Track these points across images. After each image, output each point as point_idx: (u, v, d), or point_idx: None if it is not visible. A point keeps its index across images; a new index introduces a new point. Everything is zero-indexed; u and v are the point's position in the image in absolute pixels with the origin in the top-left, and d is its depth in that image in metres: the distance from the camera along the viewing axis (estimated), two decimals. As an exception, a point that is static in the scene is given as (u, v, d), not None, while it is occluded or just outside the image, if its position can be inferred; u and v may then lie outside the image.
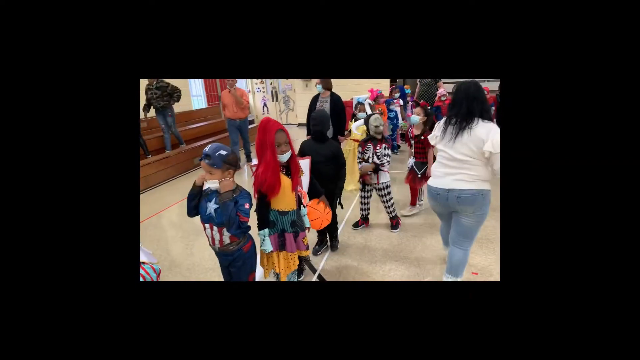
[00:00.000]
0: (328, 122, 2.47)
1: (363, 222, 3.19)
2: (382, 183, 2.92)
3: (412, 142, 3.19)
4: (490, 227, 3.01)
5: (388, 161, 2.80)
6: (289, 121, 9.73)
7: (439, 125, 1.89)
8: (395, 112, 5.64)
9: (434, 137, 1.90)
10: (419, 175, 3.18)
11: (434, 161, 2.27)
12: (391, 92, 5.83)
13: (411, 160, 3.26)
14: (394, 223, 3.11)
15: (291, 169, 1.78)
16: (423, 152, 3.15)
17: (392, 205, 3.03)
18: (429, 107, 4.15)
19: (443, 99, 6.08)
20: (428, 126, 3.02)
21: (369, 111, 3.93)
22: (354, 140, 4.09)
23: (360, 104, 4.00)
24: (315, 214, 2.15)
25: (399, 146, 6.06)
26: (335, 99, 4.10)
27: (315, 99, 4.23)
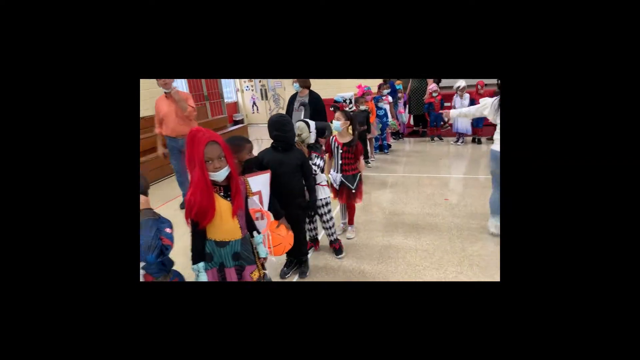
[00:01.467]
0: (290, 126, 2.12)
1: (311, 244, 2.71)
2: (321, 199, 2.48)
3: (337, 152, 2.66)
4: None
5: (316, 172, 2.35)
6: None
7: (492, 102, 2.54)
8: (385, 109, 5.31)
9: (485, 108, 2.60)
10: (354, 190, 2.74)
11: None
12: (380, 88, 5.49)
13: (335, 175, 2.74)
14: (337, 247, 2.64)
15: (231, 189, 1.46)
16: (352, 163, 2.69)
17: (332, 226, 2.60)
18: (351, 110, 3.81)
19: (434, 94, 5.75)
20: (355, 131, 2.69)
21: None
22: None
23: (338, 102, 3.68)
24: (278, 239, 1.85)
25: (389, 145, 5.74)
26: (314, 98, 3.78)
27: (292, 99, 3.92)
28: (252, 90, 9.62)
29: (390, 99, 5.52)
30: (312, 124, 2.36)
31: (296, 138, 2.26)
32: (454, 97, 5.61)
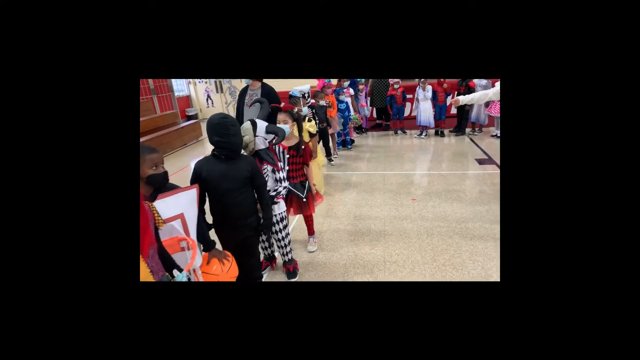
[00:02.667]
0: (236, 129, 1.71)
1: (267, 262, 2.45)
2: (276, 215, 2.15)
3: (283, 157, 2.25)
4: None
5: (275, 189, 2.05)
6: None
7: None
8: (346, 103, 5.05)
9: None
10: (304, 199, 2.42)
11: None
12: (340, 80, 5.20)
13: (281, 185, 2.29)
14: (291, 269, 2.33)
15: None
16: (301, 169, 2.40)
17: (288, 244, 2.28)
18: (309, 105, 3.58)
19: (396, 87, 5.57)
20: (301, 133, 2.42)
21: (303, 107, 3.25)
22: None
23: (293, 97, 3.32)
24: (210, 278, 1.49)
25: (352, 141, 5.50)
26: (267, 91, 3.39)
27: (243, 93, 3.50)
28: (206, 83, 8.93)
29: (351, 91, 5.26)
30: (262, 125, 1.97)
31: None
32: (417, 88, 5.47)
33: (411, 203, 3.28)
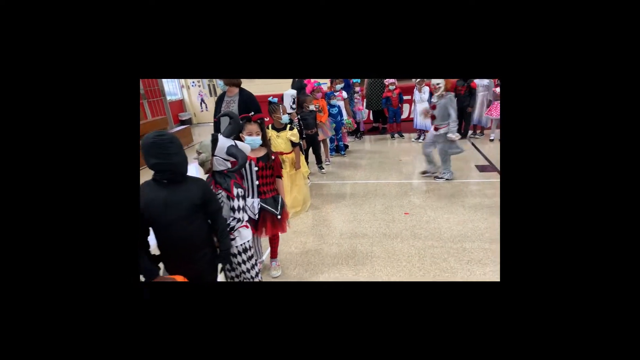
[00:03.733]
0: (176, 147, 1.40)
1: None
2: (238, 247, 1.77)
3: (251, 170, 2.06)
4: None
5: (234, 216, 1.73)
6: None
7: None
8: (338, 107, 4.76)
9: None
10: (279, 216, 2.17)
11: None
12: (332, 83, 4.92)
13: (253, 201, 2.10)
14: None
15: None
16: (272, 183, 2.17)
17: (256, 276, 1.87)
18: (292, 112, 3.34)
19: (392, 87, 5.27)
20: (268, 141, 2.17)
21: (286, 114, 2.97)
22: (278, 153, 3.13)
23: (272, 104, 3.05)
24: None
25: (346, 146, 5.21)
26: (245, 98, 3.14)
27: (220, 100, 3.25)
28: (200, 86, 8.71)
29: (344, 94, 4.97)
30: (224, 144, 1.69)
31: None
32: (414, 90, 5.17)
33: (404, 218, 2.99)
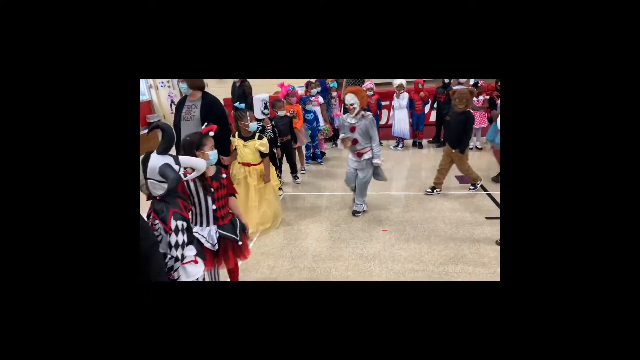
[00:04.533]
0: None
1: None
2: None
3: (204, 196, 1.79)
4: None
5: (168, 259, 1.43)
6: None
7: None
8: (314, 112, 4.52)
9: None
10: (239, 242, 1.88)
11: None
12: (307, 87, 4.67)
13: (210, 230, 1.83)
14: None
15: None
16: (227, 204, 1.89)
17: None
18: (263, 118, 3.12)
19: (370, 94, 5.08)
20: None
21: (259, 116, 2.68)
22: (243, 163, 2.84)
23: (238, 110, 2.76)
24: None
25: (323, 154, 4.97)
26: (209, 102, 2.83)
27: (180, 105, 2.92)
28: (170, 87, 8.23)
29: (320, 99, 4.74)
30: (155, 163, 1.37)
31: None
32: (394, 96, 5.00)
33: (382, 235, 2.78)
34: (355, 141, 2.92)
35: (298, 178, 4.12)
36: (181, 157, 1.51)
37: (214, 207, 1.78)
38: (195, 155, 1.67)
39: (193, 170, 1.63)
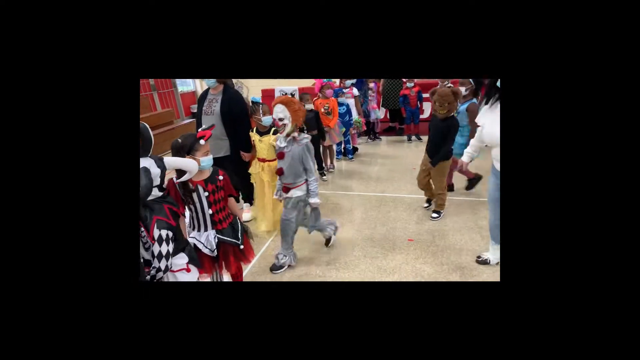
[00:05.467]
0: None
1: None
2: None
3: (200, 199, 1.66)
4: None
5: (152, 269, 1.36)
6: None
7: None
8: (347, 105, 4.26)
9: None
10: (241, 246, 1.77)
11: None
12: (341, 79, 4.41)
13: (208, 235, 1.71)
14: None
15: None
16: (226, 207, 1.76)
17: None
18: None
19: (410, 85, 4.68)
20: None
21: (269, 118, 2.51)
22: (259, 159, 2.72)
23: (256, 104, 2.62)
24: None
25: (355, 149, 4.71)
26: (230, 97, 2.74)
27: (202, 98, 2.86)
28: (212, 77, 8.42)
29: (355, 92, 4.46)
30: (152, 168, 1.30)
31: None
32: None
33: (406, 246, 2.50)
34: (280, 171, 2.15)
35: (325, 174, 3.93)
36: (167, 159, 1.40)
37: (211, 211, 1.67)
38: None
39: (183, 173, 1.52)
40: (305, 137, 2.14)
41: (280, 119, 2.05)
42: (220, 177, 1.68)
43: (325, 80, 3.96)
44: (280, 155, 2.14)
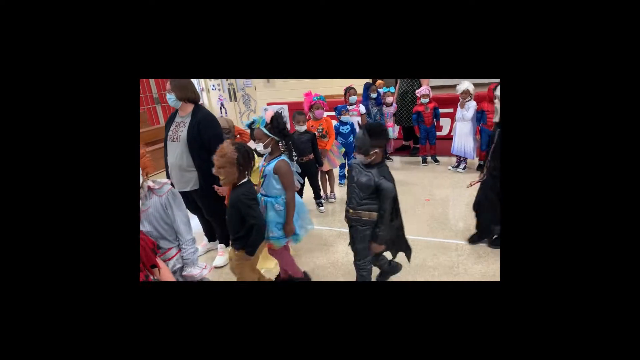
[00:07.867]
0: None
1: None
2: None
3: None
4: None
5: None
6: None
7: None
8: (351, 124, 3.75)
9: None
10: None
11: None
12: (346, 93, 3.90)
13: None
14: None
15: None
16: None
17: None
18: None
19: (424, 101, 4.12)
20: None
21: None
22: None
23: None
24: None
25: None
26: (199, 120, 2.29)
27: (170, 120, 2.44)
28: (219, 89, 8.18)
29: (362, 109, 3.96)
30: None
31: None
32: (458, 105, 3.97)
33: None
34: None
35: (322, 205, 3.42)
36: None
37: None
38: None
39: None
40: (165, 184, 1.49)
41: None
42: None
43: (315, 97, 3.42)
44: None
